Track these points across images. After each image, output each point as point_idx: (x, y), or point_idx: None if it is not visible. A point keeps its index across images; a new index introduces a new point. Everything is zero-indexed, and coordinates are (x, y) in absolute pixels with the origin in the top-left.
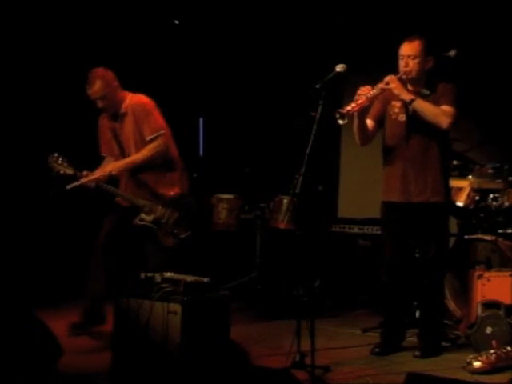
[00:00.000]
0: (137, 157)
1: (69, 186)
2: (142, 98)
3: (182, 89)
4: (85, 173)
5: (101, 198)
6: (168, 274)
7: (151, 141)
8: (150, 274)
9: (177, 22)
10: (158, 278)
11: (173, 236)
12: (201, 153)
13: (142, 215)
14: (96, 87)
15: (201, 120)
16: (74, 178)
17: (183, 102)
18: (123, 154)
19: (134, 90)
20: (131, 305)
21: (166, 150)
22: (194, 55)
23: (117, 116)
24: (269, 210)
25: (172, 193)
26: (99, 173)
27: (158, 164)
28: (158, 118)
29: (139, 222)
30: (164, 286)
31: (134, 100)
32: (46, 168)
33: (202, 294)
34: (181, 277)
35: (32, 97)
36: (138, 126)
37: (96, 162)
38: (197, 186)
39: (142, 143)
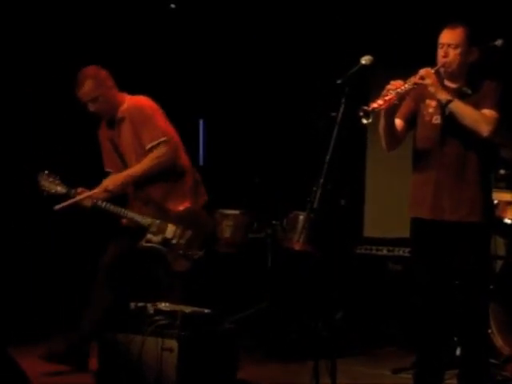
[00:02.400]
0: (136, 169)
1: (57, 207)
2: (141, 100)
3: (178, 85)
4: (79, 190)
5: (103, 219)
6: (162, 305)
7: (151, 149)
8: (141, 305)
9: (173, 5)
10: (150, 309)
11: (185, 258)
12: (201, 160)
13: (149, 236)
14: (86, 88)
15: (201, 122)
16: (67, 197)
17: (180, 101)
18: (126, 166)
19: (125, 87)
20: (119, 340)
21: (171, 159)
22: (193, 46)
23: (113, 123)
24: (282, 229)
25: (182, 208)
26: (95, 190)
27: (165, 175)
28: (160, 123)
29: (145, 245)
30: (158, 318)
31: (131, 103)
32: (36, 188)
33: (203, 327)
34: (177, 307)
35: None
36: (135, 133)
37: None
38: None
39: (142, 153)
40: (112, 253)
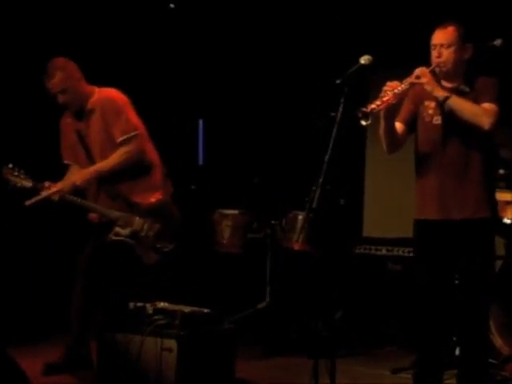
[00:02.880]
0: (105, 164)
1: (28, 202)
2: (112, 93)
3: (177, 85)
4: (46, 184)
5: (69, 212)
6: (161, 304)
7: (122, 143)
8: (140, 304)
9: (172, 5)
10: (149, 308)
11: (155, 251)
12: (200, 160)
13: (117, 229)
14: (56, 79)
15: (200, 122)
16: (34, 191)
17: (179, 101)
18: (90, 159)
19: (123, 87)
20: (118, 340)
21: (140, 153)
22: (193, 46)
23: (82, 114)
24: (281, 229)
25: (153, 199)
26: (62, 184)
27: (132, 169)
28: (131, 117)
29: (114, 238)
30: (157, 318)
31: (102, 95)
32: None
33: (202, 327)
34: (176, 307)
35: None
36: (106, 125)
37: (60, 172)
38: (195, 200)
39: (110, 146)
40: (87, 253)
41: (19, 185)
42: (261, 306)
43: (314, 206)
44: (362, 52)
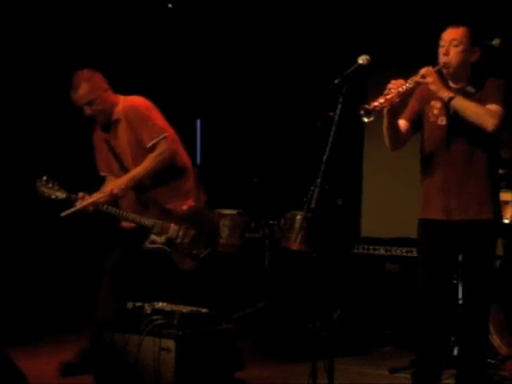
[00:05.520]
0: (140, 169)
1: (64, 214)
2: (135, 100)
3: (175, 85)
4: (80, 195)
5: (101, 221)
6: (160, 304)
7: (152, 148)
8: (138, 304)
9: (170, 5)
10: (147, 308)
11: (191, 257)
12: (198, 160)
13: (153, 237)
14: (82, 91)
15: (198, 122)
16: (68, 202)
17: (177, 101)
18: (123, 169)
19: (122, 87)
20: (116, 340)
21: (172, 154)
22: (191, 46)
23: (109, 125)
24: (279, 228)
25: (185, 206)
26: (98, 195)
27: (164, 174)
28: (157, 121)
29: (150, 246)
30: (155, 318)
31: (126, 104)
32: (35, 194)
33: (200, 327)
34: (175, 307)
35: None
36: (134, 133)
37: (96, 185)
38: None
39: (141, 153)
40: (117, 255)
41: (53, 196)
42: (259, 305)
43: (312, 205)
44: (359, 52)
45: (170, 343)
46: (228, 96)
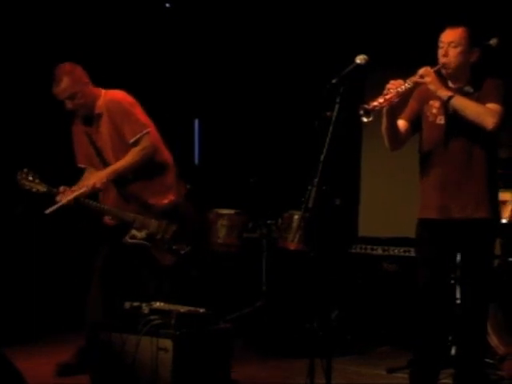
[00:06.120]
0: (122, 163)
1: (48, 211)
2: (117, 94)
3: (173, 85)
4: (61, 189)
5: (80, 215)
6: (157, 304)
7: (135, 143)
8: (135, 304)
9: (168, 5)
10: (145, 308)
11: (171, 253)
12: (196, 160)
13: (133, 232)
14: (63, 85)
15: (196, 121)
16: (49, 195)
17: (175, 100)
18: (104, 163)
19: (120, 87)
20: (114, 340)
21: (154, 150)
22: (189, 46)
23: (91, 118)
24: (277, 228)
25: (166, 201)
26: (80, 188)
27: (145, 169)
28: (140, 115)
29: (130, 241)
30: (152, 318)
31: (107, 98)
32: (15, 186)
33: (198, 327)
34: (172, 307)
35: None
36: (115, 127)
37: (75, 176)
38: (191, 200)
39: (122, 147)
40: (105, 253)
41: (34, 190)
42: (257, 305)
43: (310, 205)
44: (357, 51)
45: (168, 343)
46: (226, 96)
